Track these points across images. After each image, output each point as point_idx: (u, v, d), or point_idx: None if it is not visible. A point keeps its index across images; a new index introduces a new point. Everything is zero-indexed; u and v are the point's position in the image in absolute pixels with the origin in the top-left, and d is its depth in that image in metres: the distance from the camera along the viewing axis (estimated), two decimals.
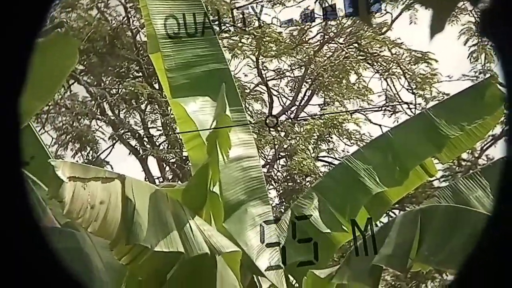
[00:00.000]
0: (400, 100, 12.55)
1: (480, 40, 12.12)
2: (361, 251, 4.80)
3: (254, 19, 12.41)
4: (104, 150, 12.90)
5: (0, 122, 1.54)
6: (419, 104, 12.04)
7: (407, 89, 12.48)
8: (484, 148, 12.17)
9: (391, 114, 12.35)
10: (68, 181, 3.56)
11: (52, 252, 1.61)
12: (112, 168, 12.56)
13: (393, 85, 12.66)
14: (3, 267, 1.53)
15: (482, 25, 1.60)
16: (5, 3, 1.54)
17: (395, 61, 12.51)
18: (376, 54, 12.68)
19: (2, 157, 1.55)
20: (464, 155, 11.69)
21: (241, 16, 12.35)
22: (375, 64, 12.70)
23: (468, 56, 12.36)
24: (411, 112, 11.92)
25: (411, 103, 12.31)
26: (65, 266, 1.61)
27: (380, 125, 11.91)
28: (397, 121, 11.67)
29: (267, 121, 12.01)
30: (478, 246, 1.61)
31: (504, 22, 1.52)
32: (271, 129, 11.24)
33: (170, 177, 12.46)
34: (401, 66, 12.43)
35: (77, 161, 12.05)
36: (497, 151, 11.79)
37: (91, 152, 12.55)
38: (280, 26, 12.38)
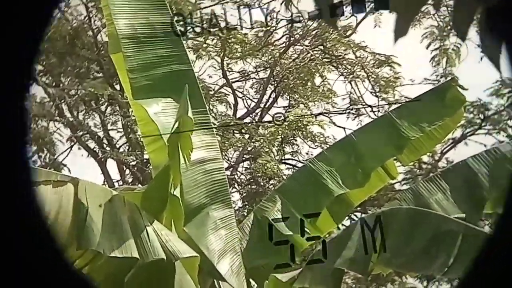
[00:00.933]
0: (364, 103, 12.67)
1: (439, 41, 12.33)
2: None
3: (220, 20, 12.36)
4: (62, 153, 12.68)
5: (4, 122, 1.50)
6: (382, 107, 12.17)
7: (370, 92, 12.61)
8: (444, 151, 12.38)
9: (355, 117, 12.46)
10: None
11: (56, 250, 1.58)
12: (69, 171, 12.35)
13: (357, 88, 12.78)
14: (3, 268, 1.50)
15: (487, 22, 1.59)
16: (7, 4, 1.50)
17: (359, 64, 12.62)
18: (340, 57, 12.76)
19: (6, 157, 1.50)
20: (425, 158, 11.86)
21: (206, 17, 12.28)
22: (339, 66, 12.79)
23: (430, 60, 12.57)
24: (375, 115, 12.04)
25: (374, 106, 12.44)
26: (68, 265, 1.58)
27: (344, 128, 11.99)
28: (361, 124, 11.77)
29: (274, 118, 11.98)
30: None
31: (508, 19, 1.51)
32: (279, 124, 11.15)
33: (130, 180, 12.30)
34: (365, 69, 12.55)
35: (33, 164, 11.78)
36: (456, 155, 12.01)
37: (48, 154, 12.30)
38: (245, 28, 12.37)
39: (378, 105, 12.23)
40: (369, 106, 12.46)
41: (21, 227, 1.54)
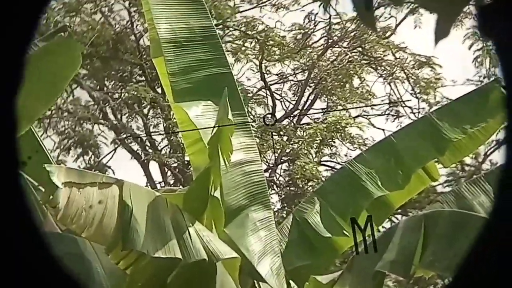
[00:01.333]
0: (403, 105, 12.51)
1: (482, 42, 12.09)
2: (363, 253, 4.78)
3: (258, 23, 12.40)
4: (106, 155, 12.93)
5: None
6: (422, 108, 12.00)
7: (410, 94, 12.45)
8: (488, 153, 12.12)
9: (394, 119, 12.31)
10: (63, 186, 3.55)
11: (51, 254, 1.60)
12: (113, 173, 12.59)
13: (397, 90, 12.63)
14: (3, 268, 1.52)
15: (481, 24, 1.58)
16: (2, 3, 1.54)
17: (398, 65, 12.47)
18: (379, 58, 12.64)
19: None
20: (468, 160, 11.64)
21: (244, 20, 12.35)
22: (378, 68, 12.67)
23: (473, 61, 12.32)
24: (415, 116, 11.87)
25: (414, 108, 12.28)
26: (65, 268, 1.60)
27: (383, 130, 11.87)
28: (400, 126, 11.63)
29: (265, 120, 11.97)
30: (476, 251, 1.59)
31: (504, 20, 1.50)
32: (270, 127, 11.18)
33: (172, 182, 12.45)
34: (405, 71, 12.39)
35: (79, 166, 12.06)
36: (500, 156, 11.71)
37: (93, 157, 12.57)
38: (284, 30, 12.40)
39: (419, 107, 12.06)
40: (409, 107, 12.29)
41: (12, 231, 1.55)
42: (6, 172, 1.54)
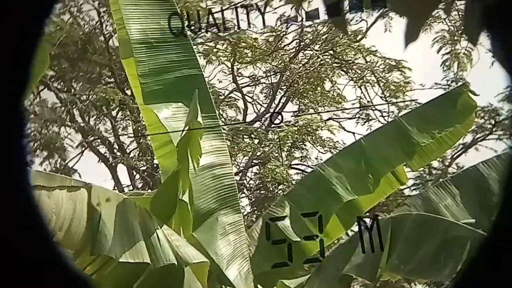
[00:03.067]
0: (374, 108, 12.63)
1: (450, 46, 12.27)
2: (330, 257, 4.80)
3: (230, 25, 12.37)
4: (73, 158, 12.74)
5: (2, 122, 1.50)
6: (392, 112, 12.14)
7: (380, 97, 12.58)
8: (455, 156, 12.32)
9: (365, 122, 12.42)
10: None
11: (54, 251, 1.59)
12: (80, 176, 12.39)
13: (367, 93, 12.76)
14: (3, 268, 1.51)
15: (482, 15, 1.60)
16: (5, 4, 1.52)
17: (369, 69, 12.59)
18: (350, 62, 12.75)
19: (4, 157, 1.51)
20: (435, 164, 11.81)
21: (216, 21, 12.29)
22: (349, 71, 12.77)
23: (441, 64, 12.51)
24: (384, 120, 12.00)
25: (384, 111, 12.41)
26: (67, 265, 1.59)
27: (353, 133, 11.98)
28: (370, 129, 11.75)
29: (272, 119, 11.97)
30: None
31: (505, 22, 1.52)
32: (275, 126, 11.15)
33: (140, 185, 12.33)
34: (375, 74, 12.52)
35: (44, 169, 11.86)
36: (467, 160, 11.94)
37: (59, 159, 12.37)
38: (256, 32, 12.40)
39: (389, 110, 12.19)
40: (379, 110, 12.42)
41: (20, 229, 1.55)
42: (13, 171, 1.53)
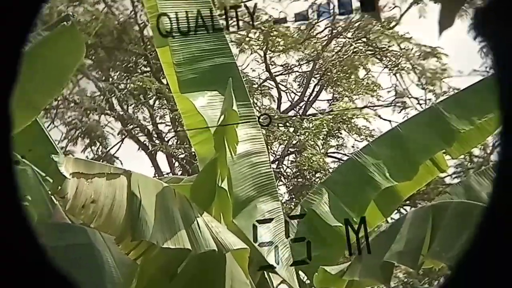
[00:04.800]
0: (410, 95, 12.46)
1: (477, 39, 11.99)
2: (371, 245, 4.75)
3: (262, 13, 12.34)
4: (114, 146, 12.92)
5: None
6: (429, 99, 11.93)
7: (416, 85, 12.38)
8: (496, 144, 12.06)
9: (401, 110, 12.26)
10: (71, 177, 3.52)
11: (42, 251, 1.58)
12: (121, 163, 12.60)
13: (403, 81, 12.57)
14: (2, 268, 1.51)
15: (477, 24, 1.55)
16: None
17: (404, 56, 12.40)
18: (384, 49, 12.57)
19: None
20: (476, 151, 11.60)
21: (248, 10, 12.25)
22: (384, 59, 12.60)
23: (479, 51, 12.22)
24: (421, 108, 11.81)
25: (421, 99, 12.22)
26: (56, 265, 1.58)
27: (389, 121, 11.82)
28: (407, 117, 11.57)
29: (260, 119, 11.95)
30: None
31: (500, 21, 1.47)
32: (264, 127, 11.15)
33: (179, 173, 12.44)
34: (411, 61, 12.32)
35: (86, 157, 12.06)
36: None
37: (100, 147, 12.56)
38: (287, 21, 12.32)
39: (426, 98, 12.00)
40: (415, 98, 12.24)
41: (19, 229, 1.54)
42: (1, 171, 1.52)
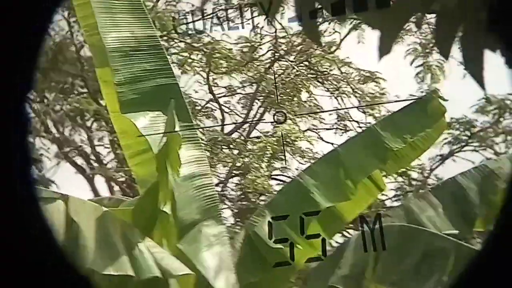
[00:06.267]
0: (350, 119, 12.70)
1: (422, 58, 12.47)
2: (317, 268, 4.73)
3: (204, 35, 12.32)
4: (50, 169, 12.50)
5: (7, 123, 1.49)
6: (369, 122, 12.19)
7: (357, 108, 12.64)
8: (433, 167, 12.44)
9: (343, 133, 12.47)
10: None
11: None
12: (58, 187, 12.17)
13: (344, 104, 12.80)
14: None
15: (491, 21, 1.58)
16: (8, 5, 1.45)
17: (344, 80, 12.66)
18: (326, 73, 12.80)
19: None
20: (414, 175, 11.94)
21: (190, 32, 12.24)
22: (325, 82, 12.82)
23: (415, 76, 12.65)
24: (362, 130, 12.04)
25: (361, 122, 12.49)
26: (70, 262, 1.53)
27: (332, 143, 11.99)
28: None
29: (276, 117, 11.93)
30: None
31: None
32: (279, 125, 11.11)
33: (119, 195, 12.13)
34: (351, 85, 12.59)
35: None
36: (445, 171, 12.07)
37: (35, 171, 12.11)
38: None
39: (366, 121, 12.26)
40: (356, 121, 12.49)
41: (22, 228, 1.52)
42: (19, 171, 1.53)
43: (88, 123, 12.54)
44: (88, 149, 12.54)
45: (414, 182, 11.90)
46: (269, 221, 4.56)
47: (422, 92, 12.42)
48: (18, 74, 1.51)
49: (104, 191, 12.38)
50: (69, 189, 14.81)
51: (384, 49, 1.83)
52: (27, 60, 1.54)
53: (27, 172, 1.55)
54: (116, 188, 12.31)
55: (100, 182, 12.47)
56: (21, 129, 1.53)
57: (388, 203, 11.33)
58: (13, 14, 1.47)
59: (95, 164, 12.36)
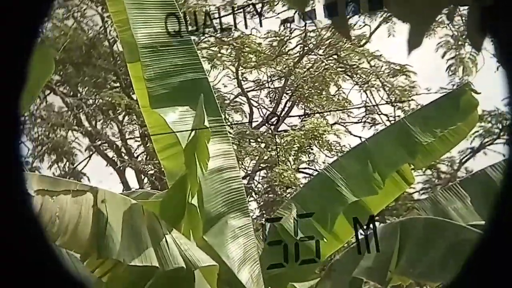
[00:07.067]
0: (379, 112, 12.62)
1: (455, 51, 12.26)
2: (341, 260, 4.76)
3: (234, 29, 12.37)
4: (81, 162, 12.75)
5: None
6: (398, 116, 12.09)
7: (386, 101, 12.54)
8: (463, 160, 12.28)
9: (371, 126, 12.40)
10: (36, 194, 3.47)
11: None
12: (89, 180, 12.41)
13: (373, 97, 12.73)
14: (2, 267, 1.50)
15: (484, 21, 1.59)
16: (4, 4, 1.50)
17: (374, 73, 12.57)
18: (355, 66, 12.73)
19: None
20: (444, 168, 11.80)
21: (221, 26, 12.30)
22: (354, 76, 12.75)
23: (446, 69, 12.48)
24: (390, 124, 11.95)
25: (390, 115, 12.39)
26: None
27: (360, 137, 11.94)
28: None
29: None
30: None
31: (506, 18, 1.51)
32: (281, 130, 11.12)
33: (148, 189, 12.31)
34: (380, 78, 12.50)
35: (53, 173, 11.87)
36: (475, 164, 11.90)
37: (67, 163, 12.38)
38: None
39: (395, 115, 12.16)
40: (384, 114, 12.40)
41: (17, 230, 1.54)
42: (8, 172, 1.53)
43: (120, 117, 12.76)
44: (119, 142, 12.77)
45: (443, 175, 11.78)
46: (294, 218, 4.58)
47: (453, 85, 12.25)
48: (9, 75, 1.53)
49: (133, 183, 12.61)
50: (100, 181, 15.10)
51: (414, 42, 1.80)
52: (19, 60, 1.55)
53: (18, 173, 1.56)
54: (146, 180, 12.50)
55: (130, 174, 12.71)
56: (12, 130, 1.53)
57: (416, 196, 11.23)
58: (5, 14, 1.48)
59: (126, 157, 12.57)
